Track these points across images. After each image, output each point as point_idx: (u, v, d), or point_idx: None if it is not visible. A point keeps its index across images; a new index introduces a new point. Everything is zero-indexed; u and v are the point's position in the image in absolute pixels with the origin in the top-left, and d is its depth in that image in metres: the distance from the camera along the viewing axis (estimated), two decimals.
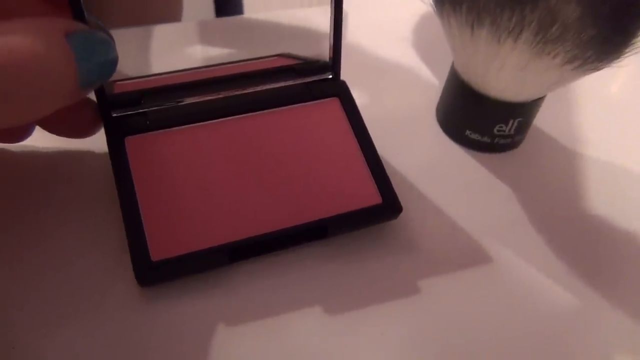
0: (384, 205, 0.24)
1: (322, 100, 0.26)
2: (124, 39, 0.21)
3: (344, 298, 0.22)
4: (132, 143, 0.23)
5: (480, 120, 0.28)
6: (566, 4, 0.22)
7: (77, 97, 0.19)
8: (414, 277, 0.23)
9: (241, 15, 0.28)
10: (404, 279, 0.23)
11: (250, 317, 0.22)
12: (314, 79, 0.26)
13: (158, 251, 0.21)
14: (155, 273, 0.21)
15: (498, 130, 0.28)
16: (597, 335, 0.23)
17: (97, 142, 0.24)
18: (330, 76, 0.26)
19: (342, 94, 0.26)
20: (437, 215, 0.26)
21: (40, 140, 0.25)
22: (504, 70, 0.24)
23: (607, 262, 0.25)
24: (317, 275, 0.23)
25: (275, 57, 0.27)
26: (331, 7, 0.24)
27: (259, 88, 0.26)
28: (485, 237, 0.25)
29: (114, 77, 0.21)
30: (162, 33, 0.26)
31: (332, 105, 0.26)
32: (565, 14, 0.22)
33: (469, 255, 0.25)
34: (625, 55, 0.24)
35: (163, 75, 0.25)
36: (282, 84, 0.26)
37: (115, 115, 0.24)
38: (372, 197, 0.24)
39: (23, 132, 0.24)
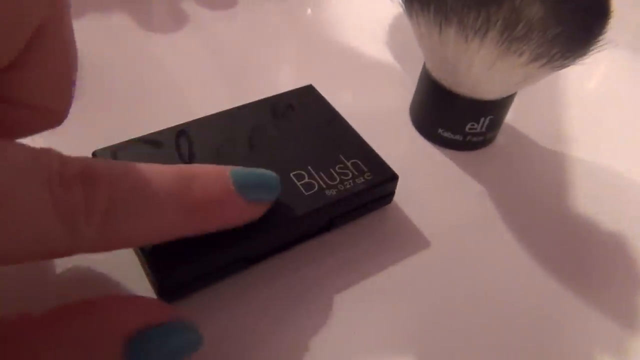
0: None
1: None
2: None
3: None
4: None
5: (451, 118, 0.28)
6: (530, 4, 0.22)
7: None
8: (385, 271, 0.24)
9: None
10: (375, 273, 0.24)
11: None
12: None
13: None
14: (176, 283, 0.21)
15: (470, 128, 0.28)
16: (569, 335, 0.23)
17: None
18: None
19: None
20: (408, 212, 0.26)
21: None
22: (472, 68, 0.25)
23: (578, 260, 0.26)
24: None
25: None
26: None
27: None
28: (456, 232, 0.26)
29: None
30: None
31: None
32: (529, 14, 0.22)
33: (437, 249, 0.25)
34: (592, 52, 0.25)
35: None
36: None
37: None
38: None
39: None
